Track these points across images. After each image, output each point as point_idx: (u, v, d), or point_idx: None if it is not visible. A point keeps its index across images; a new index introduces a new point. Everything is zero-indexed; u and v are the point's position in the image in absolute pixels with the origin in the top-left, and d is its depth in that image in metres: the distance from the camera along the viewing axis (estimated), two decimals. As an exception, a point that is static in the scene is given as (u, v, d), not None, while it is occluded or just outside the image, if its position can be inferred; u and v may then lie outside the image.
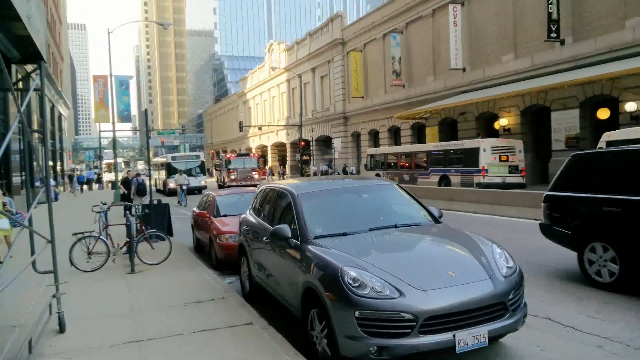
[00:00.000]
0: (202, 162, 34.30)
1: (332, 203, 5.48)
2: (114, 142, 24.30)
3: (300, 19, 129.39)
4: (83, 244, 8.53)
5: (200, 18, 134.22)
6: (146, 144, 11.09)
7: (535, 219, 9.96)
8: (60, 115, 41.76)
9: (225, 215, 9.56)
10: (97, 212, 9.67)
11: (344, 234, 4.88)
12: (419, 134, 35.85)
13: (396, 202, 5.73)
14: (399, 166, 28.65)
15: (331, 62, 46.97)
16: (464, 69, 29.92)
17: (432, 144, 26.39)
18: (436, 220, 5.43)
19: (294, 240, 4.92)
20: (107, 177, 47.06)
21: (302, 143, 44.88)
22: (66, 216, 18.34)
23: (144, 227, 9.11)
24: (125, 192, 18.35)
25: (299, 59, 53.22)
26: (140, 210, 11.99)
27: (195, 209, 11.54)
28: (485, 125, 29.19)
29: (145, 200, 13.44)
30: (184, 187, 24.68)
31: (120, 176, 22.27)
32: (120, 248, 8.91)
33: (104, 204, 12.29)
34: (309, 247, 4.67)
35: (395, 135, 38.94)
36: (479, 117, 29.00)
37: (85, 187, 37.69)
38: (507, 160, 21.89)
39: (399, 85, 36.01)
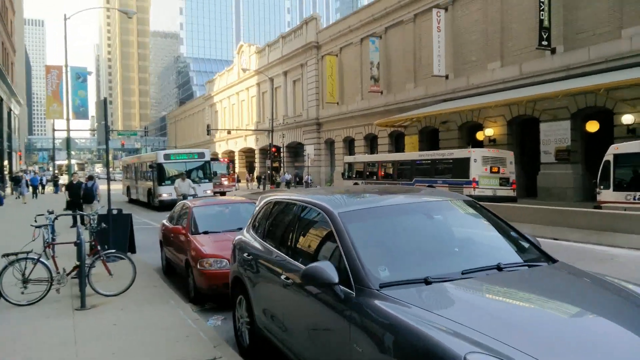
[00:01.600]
0: (208, 163, 25.47)
1: (392, 228, 3.65)
2: (68, 141, 21.70)
3: (269, 23, 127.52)
4: (17, 268, 6.42)
5: (165, 18, 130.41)
6: (105, 139, 9.02)
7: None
8: (10, 111, 38.37)
9: (206, 232, 7.62)
10: (36, 227, 7.46)
11: (426, 281, 3.05)
12: (397, 143, 34.60)
13: (481, 227, 3.95)
14: (379, 175, 27.16)
15: (304, 66, 45.35)
16: (446, 77, 28.85)
17: (417, 153, 25.05)
18: (546, 255, 3.65)
19: (344, 289, 3.11)
20: (63, 180, 43.31)
21: (274, 149, 42.93)
22: (6, 227, 15.82)
23: (99, 247, 7.02)
24: (69, 199, 16.07)
25: (270, 61, 51.37)
26: (95, 222, 9.89)
27: (165, 221, 9.52)
28: (468, 136, 28.14)
29: (99, 208, 11.25)
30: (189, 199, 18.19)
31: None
32: (68, 274, 6.82)
33: (51, 212, 10.12)
34: (376, 303, 2.85)
35: (371, 143, 37.58)
36: (462, 126, 27.94)
37: (38, 190, 33.69)
38: (497, 172, 20.70)
39: (377, 91, 34.71)
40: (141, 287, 7.14)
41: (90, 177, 16.16)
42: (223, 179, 33.55)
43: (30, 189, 30.52)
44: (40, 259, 6.54)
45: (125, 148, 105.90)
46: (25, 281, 6.42)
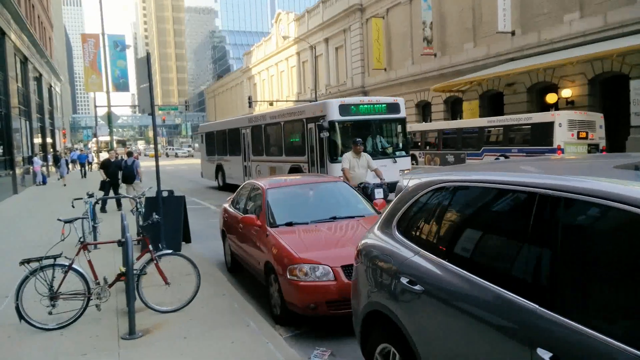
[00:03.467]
0: (403, 123, 15.28)
1: None
2: (109, 116, 20.32)
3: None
4: (42, 278, 4.76)
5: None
6: (150, 104, 7.27)
7: None
8: (51, 87, 37.72)
9: (290, 224, 5.79)
10: (65, 222, 5.61)
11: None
12: (453, 110, 31.95)
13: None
14: (440, 145, 24.80)
15: (347, 32, 42.68)
16: (513, 33, 25.83)
17: (486, 119, 22.48)
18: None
19: None
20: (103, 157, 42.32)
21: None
22: (37, 217, 14.49)
23: (150, 246, 5.26)
24: (106, 178, 14.41)
25: (310, 29, 48.85)
26: (142, 206, 8.25)
27: (227, 206, 7.76)
28: (538, 98, 25.28)
29: (146, 189, 9.61)
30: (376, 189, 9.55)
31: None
32: (110, 284, 5.13)
33: (91, 195, 8.54)
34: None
35: (424, 110, 35.03)
36: (532, 88, 25.08)
37: (78, 169, 32.29)
38: (586, 138, 18.07)
39: (430, 54, 31.92)
40: (206, 296, 5.43)
41: (130, 153, 14.59)
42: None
43: (78, 167, 29.34)
44: (73, 266, 4.86)
45: (165, 124, 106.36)
46: (54, 296, 4.79)
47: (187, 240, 8.74)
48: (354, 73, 42.04)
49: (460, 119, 28.89)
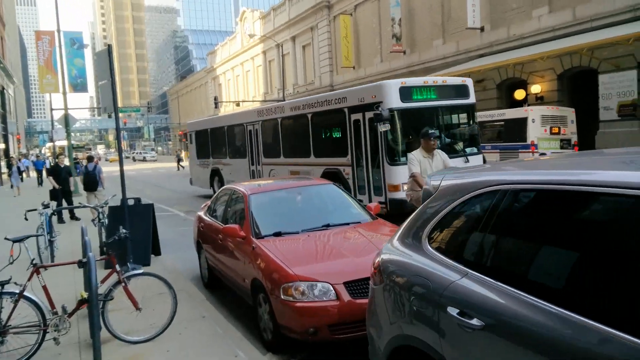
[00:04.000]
0: (473, 108, 12.49)
1: None
2: (66, 119, 18.99)
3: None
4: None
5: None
6: (112, 101, 6.48)
7: None
8: (3, 90, 35.61)
9: (278, 234, 5.11)
10: (14, 241, 4.60)
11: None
12: (423, 107, 31.75)
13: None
14: (412, 143, 24.55)
15: (315, 29, 42.14)
16: (482, 29, 25.85)
17: (458, 116, 22.30)
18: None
19: None
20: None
21: (286, 120, 40.07)
22: None
23: (117, 266, 4.48)
24: (57, 186, 13.27)
25: (276, 27, 48.06)
26: (104, 217, 7.43)
27: (202, 214, 7.01)
28: (508, 95, 25.34)
29: (109, 197, 8.75)
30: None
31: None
32: (70, 314, 4.34)
33: (46, 206, 7.65)
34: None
35: (393, 108, 34.71)
36: (501, 84, 25.14)
37: (34, 177, 30.28)
38: (558, 133, 18.08)
39: (399, 51, 31.70)
40: (183, 320, 4.72)
41: (90, 158, 13.52)
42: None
43: (34, 174, 27.51)
44: (25, 293, 4.07)
45: (127, 127, 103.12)
46: (2, 331, 3.99)
47: (157, 252, 7.95)
48: (322, 72, 41.50)
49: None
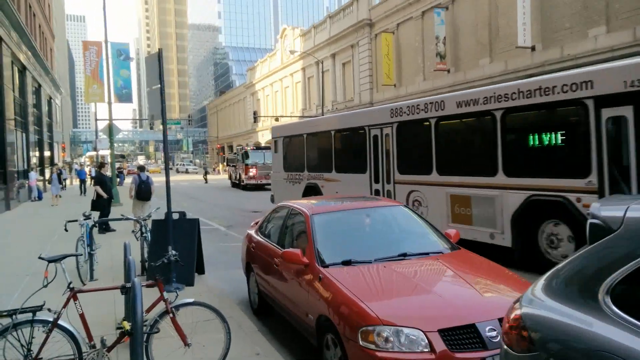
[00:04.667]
0: None
1: None
2: (110, 128, 19.07)
3: (307, 9, 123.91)
4: (16, 338, 3.45)
5: (203, 9, 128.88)
6: (161, 108, 6.08)
7: None
8: (50, 99, 36.66)
9: (348, 263, 4.46)
10: (49, 261, 4.08)
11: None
12: (466, 127, 30.81)
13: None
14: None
15: (355, 47, 41.89)
16: (533, 48, 24.88)
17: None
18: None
19: None
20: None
21: (324, 137, 39.70)
22: (37, 233, 13.16)
23: (165, 293, 3.96)
24: (105, 196, 13.00)
25: (317, 44, 48.12)
26: (147, 230, 7.00)
27: (252, 232, 6.47)
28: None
29: (150, 208, 8.33)
30: None
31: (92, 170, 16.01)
32: (109, 348, 3.81)
33: (88, 217, 7.27)
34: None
35: (435, 128, 33.86)
36: (553, 105, 23.95)
37: (77, 185, 30.36)
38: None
39: (443, 69, 30.98)
40: (235, 357, 4.10)
41: (142, 168, 13.22)
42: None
43: (78, 183, 27.39)
44: (60, 322, 3.57)
45: (169, 139, 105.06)
46: (33, 364, 3.46)
47: (201, 271, 7.45)
48: (362, 89, 41.09)
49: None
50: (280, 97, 60.30)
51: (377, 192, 12.33)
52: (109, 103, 18.61)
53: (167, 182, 6.58)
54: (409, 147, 11.76)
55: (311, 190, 15.15)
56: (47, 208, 20.38)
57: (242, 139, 72.65)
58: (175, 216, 7.02)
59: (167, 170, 6.64)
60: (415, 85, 34.64)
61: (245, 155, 30.47)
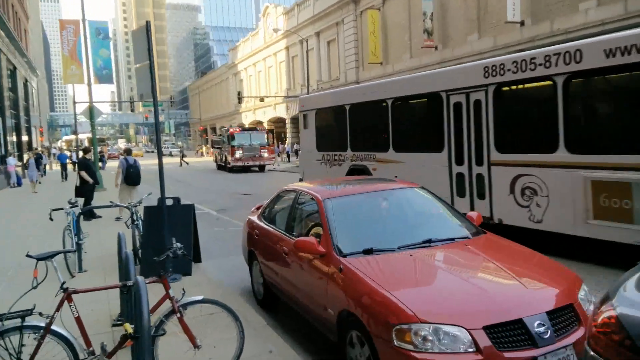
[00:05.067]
0: None
1: None
2: (91, 111, 18.28)
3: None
4: (3, 347, 3.02)
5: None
6: (150, 86, 5.59)
7: None
8: (26, 82, 35.33)
9: (369, 252, 4.03)
10: (39, 259, 3.53)
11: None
12: (455, 105, 30.57)
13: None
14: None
15: (340, 24, 41.11)
16: (522, 23, 24.54)
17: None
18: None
19: None
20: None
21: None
22: (17, 223, 12.56)
23: (171, 291, 3.54)
24: (91, 181, 12.28)
25: (300, 22, 47.16)
26: (137, 217, 6.56)
27: (254, 218, 6.02)
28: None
29: (144, 196, 7.86)
30: None
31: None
32: (109, 354, 3.40)
33: (73, 205, 6.79)
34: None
35: (423, 106, 33.56)
36: (543, 81, 23.74)
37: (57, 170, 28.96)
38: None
39: (430, 46, 30.50)
40: (247, 356, 3.72)
41: (129, 151, 12.59)
42: (262, 150, 30.14)
43: (59, 168, 26.11)
44: (53, 327, 3.15)
45: (148, 122, 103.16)
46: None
47: (197, 259, 7.03)
48: (347, 67, 40.46)
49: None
50: (264, 77, 59.27)
51: (460, 176, 9.59)
52: (89, 84, 17.77)
53: (160, 165, 6.11)
54: (516, 117, 8.82)
55: (358, 174, 12.41)
56: (27, 195, 19.61)
57: (225, 120, 71.56)
58: (169, 202, 6.57)
59: (159, 153, 6.16)
60: (402, 63, 34.14)
61: (231, 137, 29.80)
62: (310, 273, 4.24)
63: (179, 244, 3.82)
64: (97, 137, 56.29)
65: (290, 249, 4.58)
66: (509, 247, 4.20)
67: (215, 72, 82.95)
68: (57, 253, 3.60)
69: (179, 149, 68.28)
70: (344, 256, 3.94)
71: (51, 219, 6.71)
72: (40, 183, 22.45)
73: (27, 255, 3.50)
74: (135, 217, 6.93)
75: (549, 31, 23.18)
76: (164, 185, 6.16)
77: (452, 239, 4.21)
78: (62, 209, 6.81)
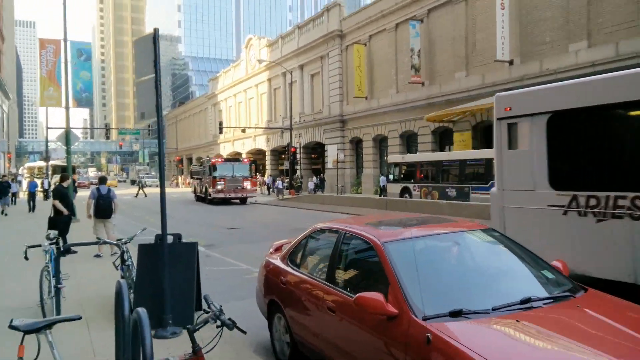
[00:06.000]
0: None
1: None
2: (67, 135, 17.00)
3: (270, 21, 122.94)
4: None
5: (162, 17, 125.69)
6: (156, 103, 4.69)
7: None
8: (-4, 106, 33.70)
9: (457, 315, 3.05)
10: (26, 332, 2.41)
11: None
12: (441, 141, 30.46)
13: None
14: (439, 178, 22.88)
15: (325, 58, 41.11)
16: (511, 62, 24.71)
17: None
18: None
19: None
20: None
21: (293, 149, 38.57)
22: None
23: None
24: (65, 212, 10.65)
25: (284, 55, 47.06)
26: (129, 256, 5.56)
27: (278, 262, 4.99)
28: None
29: (114, 227, 6.83)
30: None
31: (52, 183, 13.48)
32: None
33: (53, 241, 5.71)
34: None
35: (408, 141, 33.38)
36: (532, 119, 23.66)
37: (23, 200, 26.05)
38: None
39: (417, 82, 30.53)
40: None
41: (103, 179, 11.45)
42: (245, 182, 29.08)
43: (26, 197, 23.43)
44: None
45: (121, 151, 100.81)
46: None
47: (199, 306, 5.98)
48: (331, 101, 40.20)
49: (450, 150, 27.39)
50: (244, 108, 58.68)
51: None
52: (67, 107, 16.59)
53: (162, 195, 5.14)
54: None
55: None
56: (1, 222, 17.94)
57: (202, 150, 70.33)
58: (169, 239, 5.56)
59: (162, 183, 5.19)
60: (387, 98, 34.03)
61: (213, 167, 28.70)
62: (373, 339, 3.30)
63: (218, 305, 2.84)
64: (64, 166, 54.02)
65: (340, 305, 3.63)
66: (630, 308, 3.34)
67: (193, 101, 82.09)
68: (54, 322, 2.54)
69: (138, 178, 65.68)
70: (426, 319, 3.03)
71: (26, 258, 5.59)
72: (6, 215, 20.46)
73: (11, 327, 2.44)
74: (126, 257, 5.89)
75: (537, 71, 23.31)
76: (165, 219, 5.17)
77: (556, 298, 3.34)
78: (39, 245, 5.72)
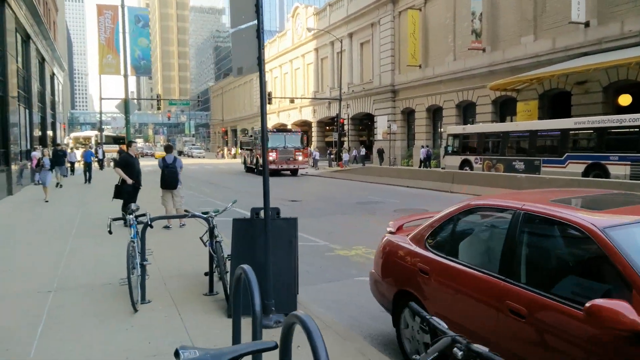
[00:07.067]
0: None
1: None
2: (126, 104, 16.73)
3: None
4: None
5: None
6: (256, 52, 3.95)
7: None
8: (53, 75, 34.26)
9: None
10: None
11: None
12: (502, 111, 28.79)
13: None
14: (505, 150, 21.53)
15: (376, 25, 39.51)
16: (587, 24, 22.65)
17: (572, 120, 19.13)
18: None
19: None
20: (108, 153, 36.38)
21: (342, 120, 37.61)
22: (46, 224, 11.05)
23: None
24: (129, 181, 10.17)
25: (332, 23, 45.62)
26: (217, 232, 4.94)
27: (410, 245, 4.18)
28: (612, 100, 22.08)
29: (182, 197, 6.30)
30: None
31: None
32: None
33: (136, 213, 5.17)
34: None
35: (465, 112, 31.81)
36: (609, 87, 21.87)
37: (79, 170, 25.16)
38: None
39: (478, 48, 28.77)
40: None
41: (169, 148, 10.97)
42: (297, 153, 28.46)
43: (82, 167, 22.56)
44: None
45: (168, 122, 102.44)
46: None
47: (296, 289, 5.36)
48: (382, 70, 38.79)
49: (512, 121, 25.80)
50: (290, 79, 57.89)
51: None
52: (125, 76, 16.25)
53: (265, 168, 4.47)
54: None
55: None
56: (59, 190, 17.93)
57: (247, 122, 70.32)
58: (275, 214, 4.92)
59: (264, 156, 4.53)
60: (444, 66, 32.39)
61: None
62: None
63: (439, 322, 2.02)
64: (114, 136, 54.82)
65: (538, 309, 2.82)
66: None
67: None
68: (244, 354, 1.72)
69: (189, 150, 66.41)
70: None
71: (110, 232, 5.12)
72: (60, 187, 19.94)
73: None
74: (216, 232, 5.32)
75: (618, 33, 21.29)
76: (268, 193, 4.52)
77: None
78: (122, 218, 5.22)
